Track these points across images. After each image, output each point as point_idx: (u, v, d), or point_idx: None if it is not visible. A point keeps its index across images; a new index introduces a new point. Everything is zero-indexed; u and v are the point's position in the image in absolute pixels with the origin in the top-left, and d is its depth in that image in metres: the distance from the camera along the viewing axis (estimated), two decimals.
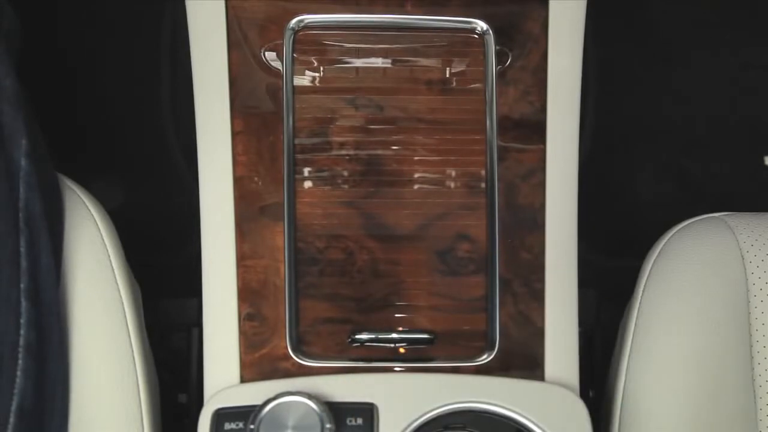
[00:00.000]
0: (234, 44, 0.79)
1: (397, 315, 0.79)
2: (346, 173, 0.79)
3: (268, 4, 0.80)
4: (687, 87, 1.31)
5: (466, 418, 0.74)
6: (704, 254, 0.79)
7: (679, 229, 0.82)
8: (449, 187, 0.80)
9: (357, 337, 0.77)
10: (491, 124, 0.79)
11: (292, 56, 0.79)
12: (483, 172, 0.79)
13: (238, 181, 0.78)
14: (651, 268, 0.80)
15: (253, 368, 0.77)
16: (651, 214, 1.25)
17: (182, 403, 1.13)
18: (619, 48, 1.28)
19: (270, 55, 0.80)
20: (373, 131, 0.80)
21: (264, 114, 0.79)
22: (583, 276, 0.80)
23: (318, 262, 0.79)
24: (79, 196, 0.78)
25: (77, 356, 0.74)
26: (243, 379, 0.77)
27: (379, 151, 0.80)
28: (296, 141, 0.79)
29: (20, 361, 0.69)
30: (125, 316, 0.75)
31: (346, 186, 0.79)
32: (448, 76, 0.80)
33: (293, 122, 0.79)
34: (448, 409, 0.74)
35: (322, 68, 0.80)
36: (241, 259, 0.78)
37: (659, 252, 0.81)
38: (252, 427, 0.69)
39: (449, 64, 0.80)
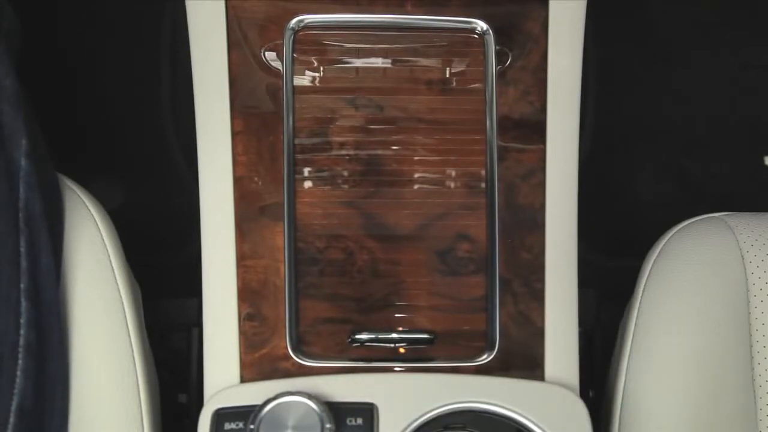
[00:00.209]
0: (234, 44, 0.79)
1: (397, 315, 0.79)
2: (346, 173, 0.79)
3: (268, 4, 0.80)
4: (687, 87, 1.31)
5: (466, 418, 0.74)
6: (704, 254, 0.79)
7: (679, 229, 0.82)
8: (449, 187, 0.80)
9: (357, 337, 0.77)
10: (491, 124, 0.79)
11: (292, 56, 0.79)
12: (483, 172, 0.79)
13: (238, 181, 0.78)
14: (651, 268, 0.80)
15: (253, 368, 0.77)
16: (651, 214, 1.25)
17: (182, 403, 1.13)
18: (619, 48, 1.28)
19: (270, 55, 0.80)
20: (373, 131, 0.80)
21: (264, 114, 0.79)
22: (583, 276, 0.80)
23: (318, 262, 0.79)
24: (79, 196, 0.78)
25: (77, 356, 0.74)
26: (243, 379, 0.77)
27: (379, 151, 0.80)
28: (296, 141, 0.79)
29: (20, 361, 0.69)
30: (125, 316, 0.75)
31: (346, 186, 0.79)
32: (448, 76, 0.80)
33: (293, 122, 0.79)
34: (448, 409, 0.74)
35: (322, 68, 0.80)
36: (241, 259, 0.78)
37: (659, 252, 0.81)
38: (252, 427, 0.69)
39: (449, 64, 0.80)
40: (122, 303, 0.75)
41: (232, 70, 0.79)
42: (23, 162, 0.72)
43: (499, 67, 0.80)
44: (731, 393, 0.77)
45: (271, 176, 0.79)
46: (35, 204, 0.72)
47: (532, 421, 0.74)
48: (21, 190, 0.72)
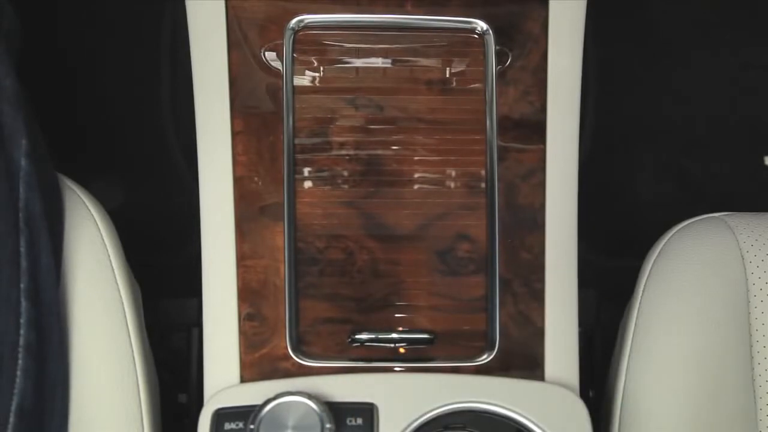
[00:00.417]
0: (234, 44, 0.79)
1: (397, 315, 0.79)
2: (346, 173, 0.79)
3: (268, 4, 0.80)
4: (687, 87, 1.31)
5: (466, 418, 0.74)
6: (704, 254, 0.79)
7: (679, 229, 0.82)
8: (449, 187, 0.80)
9: (357, 337, 0.77)
10: (491, 124, 0.79)
11: (292, 56, 0.79)
12: (483, 172, 0.79)
13: (238, 181, 0.78)
14: (651, 268, 0.80)
15: (253, 368, 0.77)
16: (651, 214, 1.25)
17: (182, 403, 1.13)
18: (619, 48, 1.28)
19: (270, 55, 0.80)
20: (373, 131, 0.80)
21: (264, 114, 0.79)
22: (583, 276, 0.80)
23: (318, 262, 0.79)
24: (79, 196, 0.78)
25: (77, 356, 0.74)
26: (243, 379, 0.77)
27: (379, 151, 0.80)
28: (296, 141, 0.79)
29: (20, 361, 0.69)
30: (125, 316, 0.75)
31: (346, 186, 0.79)
32: (448, 76, 0.80)
33: (293, 122, 0.79)
34: (448, 409, 0.74)
35: (322, 68, 0.80)
36: (241, 259, 0.78)
37: (659, 252, 0.81)
38: (252, 427, 0.69)
39: (449, 64, 0.80)
40: (122, 303, 0.75)
41: (232, 70, 0.79)
42: (23, 162, 0.72)
43: (499, 67, 0.80)
44: (731, 393, 0.77)
45: (271, 176, 0.79)
46: (35, 204, 0.72)
47: (532, 421, 0.74)
48: (21, 190, 0.72)
